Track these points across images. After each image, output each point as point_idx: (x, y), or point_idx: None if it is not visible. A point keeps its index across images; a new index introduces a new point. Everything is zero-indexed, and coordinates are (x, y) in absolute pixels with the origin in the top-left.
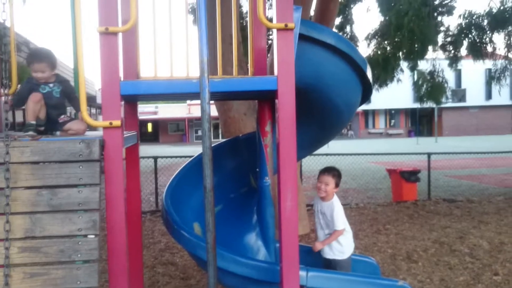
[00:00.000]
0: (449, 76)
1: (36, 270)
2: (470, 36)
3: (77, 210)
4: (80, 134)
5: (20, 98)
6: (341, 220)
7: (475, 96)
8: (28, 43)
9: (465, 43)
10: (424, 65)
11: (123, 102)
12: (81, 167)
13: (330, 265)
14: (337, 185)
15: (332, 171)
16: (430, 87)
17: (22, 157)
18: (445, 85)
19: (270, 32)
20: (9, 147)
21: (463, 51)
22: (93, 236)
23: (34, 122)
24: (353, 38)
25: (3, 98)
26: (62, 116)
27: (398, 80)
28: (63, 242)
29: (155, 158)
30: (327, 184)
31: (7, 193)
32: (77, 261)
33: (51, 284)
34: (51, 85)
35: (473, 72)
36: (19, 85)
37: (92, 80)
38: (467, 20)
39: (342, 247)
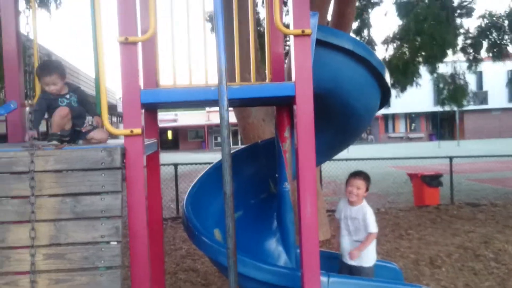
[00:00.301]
0: (470, 78)
1: (61, 276)
2: (490, 37)
3: (100, 217)
4: (102, 142)
5: (39, 116)
6: (374, 223)
7: (497, 98)
8: (51, 54)
9: (485, 44)
10: (444, 68)
11: (143, 110)
12: (103, 174)
13: (351, 271)
14: (367, 189)
15: (363, 175)
16: (451, 90)
17: (46, 166)
18: (467, 87)
19: (287, 38)
20: (34, 156)
21: (483, 53)
22: (115, 243)
23: (58, 133)
24: (370, 42)
25: (27, 108)
26: (85, 125)
27: (417, 84)
28: (87, 249)
29: (175, 165)
30: (358, 188)
31: (32, 201)
32: (101, 268)
33: None
34: (67, 96)
35: (494, 74)
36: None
37: (112, 89)
38: (487, 21)
39: (368, 254)
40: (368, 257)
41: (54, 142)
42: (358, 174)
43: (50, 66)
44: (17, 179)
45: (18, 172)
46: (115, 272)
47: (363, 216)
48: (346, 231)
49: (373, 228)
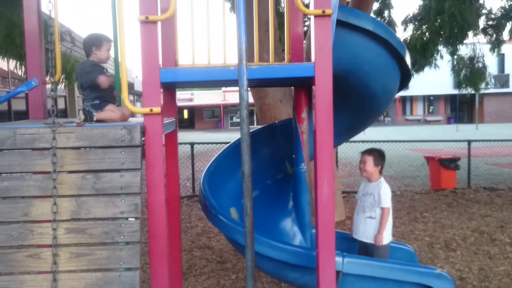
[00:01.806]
0: (492, 61)
1: (82, 250)
2: None
3: (119, 193)
4: (124, 120)
5: (88, 75)
6: (388, 198)
7: None
8: (70, 32)
9: (509, 26)
10: (464, 50)
11: (162, 89)
12: (123, 152)
13: (366, 250)
14: (377, 164)
15: (370, 151)
16: (469, 72)
17: (67, 143)
18: (485, 71)
19: (306, 18)
20: (56, 133)
21: (506, 35)
22: (134, 219)
23: (95, 119)
24: (391, 23)
25: (48, 85)
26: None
27: (436, 66)
28: (107, 224)
29: (192, 144)
30: (364, 162)
31: (54, 177)
32: (120, 243)
33: (96, 264)
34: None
35: None
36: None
37: (129, 67)
38: (511, 2)
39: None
40: (384, 236)
41: (82, 117)
42: (366, 151)
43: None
44: (39, 155)
45: (41, 148)
46: (134, 247)
47: (378, 191)
48: (361, 208)
49: (386, 203)
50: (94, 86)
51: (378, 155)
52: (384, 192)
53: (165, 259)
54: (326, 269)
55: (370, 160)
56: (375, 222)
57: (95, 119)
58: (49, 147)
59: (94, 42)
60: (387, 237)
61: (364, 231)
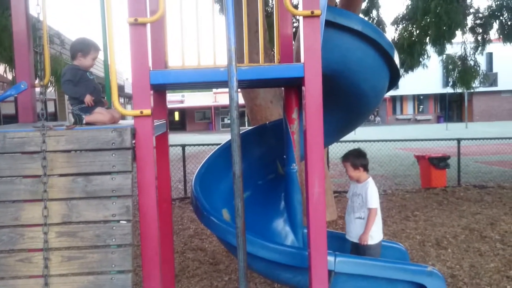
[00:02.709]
0: (480, 60)
1: (73, 253)
2: (501, 18)
3: (110, 196)
4: (114, 122)
5: (71, 84)
6: (375, 199)
7: (507, 80)
8: (60, 35)
9: (495, 25)
10: (453, 49)
11: (152, 91)
12: (113, 155)
13: (358, 250)
14: (356, 167)
15: (345, 157)
16: (461, 71)
17: (57, 146)
18: (478, 69)
19: (295, 19)
20: (45, 136)
21: (493, 34)
22: (126, 222)
23: (85, 122)
24: (379, 23)
25: (37, 89)
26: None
27: (424, 65)
28: (98, 227)
29: (183, 146)
30: (346, 170)
31: (44, 180)
32: (112, 245)
33: (88, 267)
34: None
35: (504, 56)
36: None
37: (120, 70)
38: (498, 2)
39: (372, 232)
40: (372, 235)
41: (72, 120)
42: (342, 157)
43: (96, 43)
44: (29, 158)
45: (30, 152)
46: (126, 250)
47: (365, 191)
48: (351, 208)
49: (373, 203)
50: (78, 98)
51: (355, 158)
52: (370, 193)
53: (157, 262)
54: (318, 269)
55: (347, 166)
56: (364, 223)
57: (84, 122)
58: (39, 151)
59: (82, 48)
60: (377, 236)
61: (354, 231)
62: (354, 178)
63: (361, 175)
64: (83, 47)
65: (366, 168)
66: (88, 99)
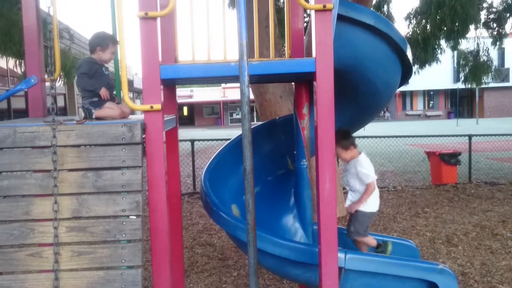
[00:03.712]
0: (492, 55)
1: (83, 248)
2: None
3: (120, 191)
4: (124, 117)
5: (85, 77)
6: (369, 172)
7: None
8: (69, 29)
9: (510, 20)
10: (466, 44)
11: (162, 86)
12: (124, 150)
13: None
14: (346, 148)
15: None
16: (473, 67)
17: (68, 141)
18: (490, 64)
19: (306, 14)
20: (56, 131)
21: (508, 28)
22: (136, 217)
23: (94, 117)
24: (390, 18)
25: (47, 83)
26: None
27: (438, 60)
28: (108, 222)
29: (192, 141)
30: (338, 155)
31: (54, 175)
32: (122, 241)
33: (98, 262)
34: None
35: None
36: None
37: (129, 64)
38: None
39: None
40: (366, 203)
41: (82, 115)
42: None
43: (115, 37)
44: (39, 153)
45: (41, 147)
46: (136, 245)
47: (355, 169)
48: (344, 181)
49: (367, 177)
50: (93, 90)
51: (341, 139)
52: (361, 168)
53: (166, 257)
54: (329, 266)
55: (339, 150)
56: (357, 194)
57: (94, 116)
58: (49, 145)
59: (100, 43)
60: (371, 206)
61: (347, 201)
62: (348, 159)
63: (354, 153)
64: (102, 42)
65: (355, 145)
66: (103, 92)
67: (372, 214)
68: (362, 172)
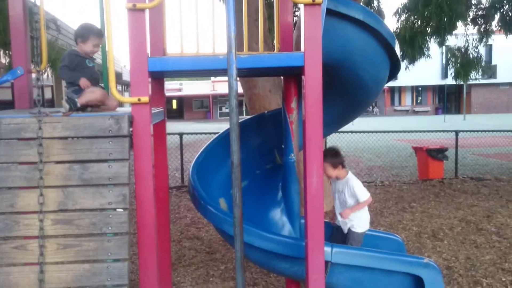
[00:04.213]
0: (480, 51)
1: (69, 241)
2: (502, 9)
3: (107, 184)
4: (111, 110)
5: (66, 69)
6: (363, 191)
7: (506, 72)
8: (56, 20)
9: (497, 17)
10: (454, 41)
11: (150, 79)
12: (110, 142)
13: (342, 233)
14: (335, 165)
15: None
16: (462, 63)
17: (54, 133)
18: (480, 60)
19: (296, 8)
20: (42, 123)
21: (494, 26)
22: (122, 210)
23: (79, 105)
24: (380, 13)
25: (33, 74)
26: None
27: (427, 56)
28: (95, 215)
29: (181, 135)
30: (325, 170)
31: (40, 167)
32: (108, 234)
33: (84, 255)
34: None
35: (504, 48)
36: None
37: (117, 57)
38: None
39: (361, 221)
40: (359, 224)
41: (67, 106)
42: None
43: (100, 30)
44: (25, 145)
45: (26, 138)
46: (122, 238)
47: (348, 189)
48: (336, 205)
49: (363, 196)
50: (73, 82)
51: (331, 158)
52: (357, 187)
53: (153, 250)
54: (315, 259)
55: (326, 166)
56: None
57: (78, 105)
58: (35, 137)
59: (81, 34)
60: (362, 225)
61: (343, 224)
62: (333, 177)
63: (341, 173)
64: (83, 33)
65: (344, 165)
66: (83, 82)
67: (362, 234)
68: (359, 190)
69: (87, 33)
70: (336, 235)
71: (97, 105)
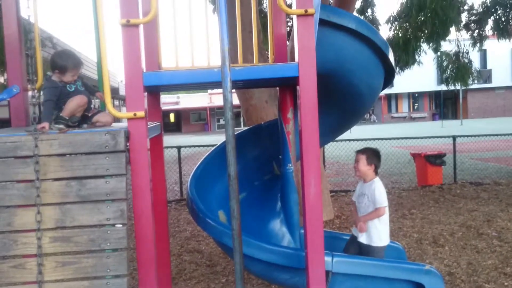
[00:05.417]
0: (474, 56)
1: (68, 259)
2: (495, 14)
3: (105, 200)
4: (107, 126)
5: (52, 106)
6: (382, 198)
7: (501, 77)
8: (52, 38)
9: (490, 22)
10: (448, 46)
11: (146, 93)
12: (107, 158)
13: (360, 249)
14: (370, 163)
15: (364, 150)
16: (455, 68)
17: (50, 150)
18: (471, 66)
19: (289, 18)
20: (38, 140)
21: (488, 31)
22: (121, 225)
23: (67, 118)
24: (374, 22)
25: (29, 92)
26: (91, 109)
27: (420, 62)
28: (93, 232)
29: (179, 148)
30: (358, 161)
31: (37, 185)
32: (107, 250)
33: (83, 272)
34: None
35: (499, 52)
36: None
37: (114, 72)
38: None
39: (380, 234)
40: (378, 237)
41: (60, 126)
42: (360, 150)
43: (78, 59)
44: (22, 163)
45: (23, 157)
46: (121, 254)
47: (372, 191)
48: (358, 209)
49: (380, 203)
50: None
51: (372, 154)
52: (377, 193)
53: (153, 265)
54: (316, 269)
55: (363, 159)
56: (371, 224)
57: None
58: (31, 155)
59: (59, 67)
60: (381, 239)
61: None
62: (361, 173)
63: (370, 173)
64: (61, 65)
65: (376, 169)
66: (44, 125)
67: (383, 247)
68: (379, 196)
69: (65, 65)
70: (352, 243)
71: (86, 115)
